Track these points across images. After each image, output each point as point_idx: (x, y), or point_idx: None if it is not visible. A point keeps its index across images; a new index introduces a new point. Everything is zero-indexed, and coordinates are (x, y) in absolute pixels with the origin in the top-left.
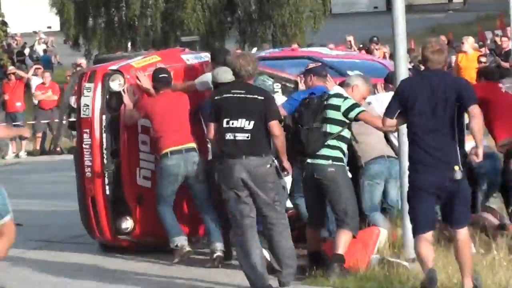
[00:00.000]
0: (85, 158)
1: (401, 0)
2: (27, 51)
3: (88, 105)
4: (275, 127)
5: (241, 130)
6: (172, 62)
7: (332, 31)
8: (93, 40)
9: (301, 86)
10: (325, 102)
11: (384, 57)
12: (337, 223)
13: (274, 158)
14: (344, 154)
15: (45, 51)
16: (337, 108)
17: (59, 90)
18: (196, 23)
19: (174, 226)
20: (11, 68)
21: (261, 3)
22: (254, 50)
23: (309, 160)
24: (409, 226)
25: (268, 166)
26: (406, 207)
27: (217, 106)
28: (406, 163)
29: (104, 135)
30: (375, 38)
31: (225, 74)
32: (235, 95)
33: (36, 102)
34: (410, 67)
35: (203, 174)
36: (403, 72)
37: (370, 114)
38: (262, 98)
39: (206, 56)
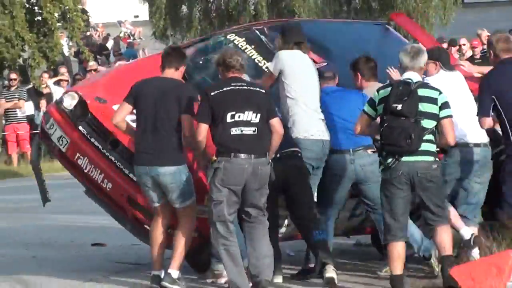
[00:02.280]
0: (102, 184)
1: None
2: (110, 44)
3: (62, 135)
4: (279, 124)
5: (248, 123)
6: None
7: (465, 23)
8: (187, 32)
9: None
10: (418, 93)
11: None
12: (432, 221)
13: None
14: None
15: (130, 44)
16: (434, 101)
17: None
18: (307, 13)
19: None
20: (91, 64)
21: None
22: None
23: (406, 158)
24: None
25: (269, 165)
26: None
27: (216, 102)
28: None
29: (93, 141)
30: None
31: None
32: (236, 87)
33: None
34: None
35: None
36: None
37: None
38: (264, 92)
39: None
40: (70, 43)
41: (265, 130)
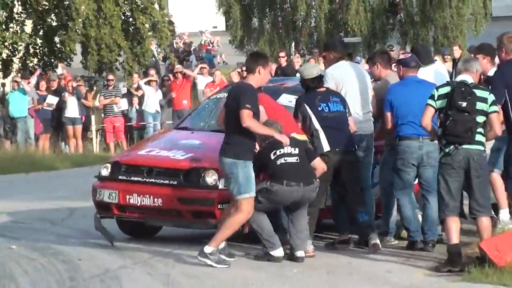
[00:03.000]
0: (155, 204)
1: None
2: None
3: (110, 192)
4: (320, 163)
5: (290, 155)
6: None
7: (493, 34)
8: (258, 41)
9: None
10: (476, 93)
11: None
12: (476, 211)
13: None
14: None
15: (208, 50)
16: (486, 100)
17: None
18: (359, 25)
19: None
20: (178, 67)
21: (423, 6)
22: None
23: (465, 146)
24: None
25: (316, 189)
26: None
27: (260, 154)
28: None
29: (133, 178)
30: None
31: (312, 70)
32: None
33: (203, 99)
34: None
35: None
36: None
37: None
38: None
39: None
40: (159, 50)
41: (306, 159)
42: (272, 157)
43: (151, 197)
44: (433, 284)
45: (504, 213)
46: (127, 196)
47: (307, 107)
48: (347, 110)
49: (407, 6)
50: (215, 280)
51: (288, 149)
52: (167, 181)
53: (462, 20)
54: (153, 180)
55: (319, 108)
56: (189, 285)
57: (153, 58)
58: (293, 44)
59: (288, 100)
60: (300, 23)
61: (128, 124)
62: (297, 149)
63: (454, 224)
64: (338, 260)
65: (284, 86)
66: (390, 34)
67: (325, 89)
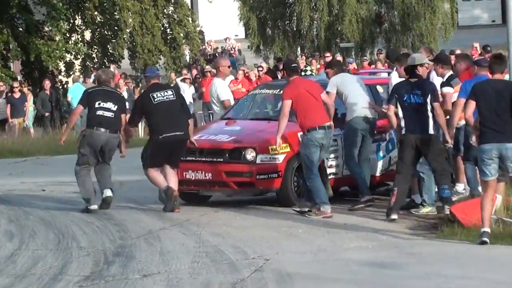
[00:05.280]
0: (206, 178)
1: None
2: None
3: None
4: None
5: (109, 110)
6: None
7: (459, 40)
8: (271, 46)
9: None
10: None
11: None
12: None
13: None
14: None
15: (231, 54)
16: None
17: (248, 84)
18: (352, 33)
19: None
20: (207, 67)
21: (403, 17)
22: None
23: None
24: None
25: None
26: None
27: (88, 95)
28: None
29: (188, 158)
30: (488, 48)
31: (423, 58)
32: (99, 88)
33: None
34: None
35: None
36: None
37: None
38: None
39: None
40: (191, 54)
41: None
42: (96, 105)
43: (203, 172)
44: (414, 241)
45: (459, 186)
46: (184, 173)
47: (396, 95)
48: (423, 100)
49: (390, 18)
50: (237, 238)
51: (109, 105)
52: (215, 159)
53: (434, 28)
54: (204, 159)
55: (404, 98)
56: (216, 243)
57: (189, 60)
58: (299, 48)
59: None
60: (305, 32)
61: None
62: (116, 106)
63: None
64: (335, 222)
65: None
66: (377, 40)
67: (416, 79)
